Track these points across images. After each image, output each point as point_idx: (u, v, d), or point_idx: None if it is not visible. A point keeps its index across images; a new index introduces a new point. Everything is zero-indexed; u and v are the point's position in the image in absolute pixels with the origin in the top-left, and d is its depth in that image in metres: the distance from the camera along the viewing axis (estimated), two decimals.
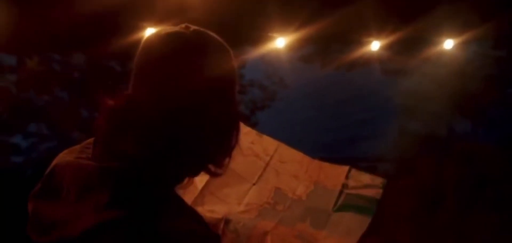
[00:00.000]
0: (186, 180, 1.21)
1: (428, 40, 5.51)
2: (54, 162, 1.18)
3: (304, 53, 6.21)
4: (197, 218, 1.15)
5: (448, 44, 5.53)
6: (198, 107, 1.11)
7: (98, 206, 1.00)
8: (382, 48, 5.39)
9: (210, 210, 1.61)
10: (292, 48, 5.28)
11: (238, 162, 1.76)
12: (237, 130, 1.20)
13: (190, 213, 1.14)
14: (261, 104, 6.69)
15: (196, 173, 1.23)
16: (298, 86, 6.53)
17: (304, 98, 6.77)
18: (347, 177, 1.84)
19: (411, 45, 5.48)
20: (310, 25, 4.71)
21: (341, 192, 1.79)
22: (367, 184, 1.81)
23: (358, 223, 1.65)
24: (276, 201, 1.76)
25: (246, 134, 1.85)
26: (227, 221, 1.64)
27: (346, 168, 1.87)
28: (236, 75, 1.21)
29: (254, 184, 1.79)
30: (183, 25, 1.16)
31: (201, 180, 1.73)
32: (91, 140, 1.20)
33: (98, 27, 4.76)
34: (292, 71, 6.14)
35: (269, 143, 1.89)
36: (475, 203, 3.27)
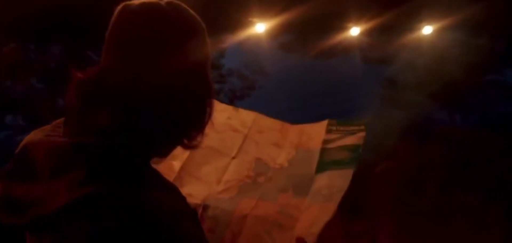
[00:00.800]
0: (160, 159, 1.20)
1: (407, 27, 5.55)
2: (25, 141, 1.15)
3: (283, 40, 6.20)
4: (175, 191, 1.14)
5: (427, 30, 5.58)
6: (172, 78, 1.10)
7: (73, 182, 0.97)
8: (362, 34, 5.41)
9: (188, 194, 1.56)
10: (272, 35, 5.26)
11: (215, 138, 1.72)
12: (211, 104, 1.19)
13: (167, 186, 1.12)
14: (240, 93, 6.67)
15: (169, 147, 1.20)
16: (278, 74, 6.53)
17: (284, 87, 6.77)
18: (327, 131, 1.78)
19: (390, 31, 5.51)
20: (290, 10, 4.69)
21: (322, 150, 1.73)
22: (348, 130, 1.75)
23: (340, 181, 1.59)
24: (257, 172, 1.71)
25: (222, 111, 1.82)
26: (205, 207, 1.61)
27: (325, 123, 1.81)
28: (210, 49, 1.20)
29: (233, 158, 1.75)
30: None
31: (178, 162, 1.70)
32: (61, 119, 1.17)
33: (75, 15, 4.70)
34: (272, 59, 6.13)
35: (246, 115, 1.85)
36: (456, 185, 3.30)
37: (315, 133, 1.80)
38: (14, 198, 1.06)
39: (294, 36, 6.19)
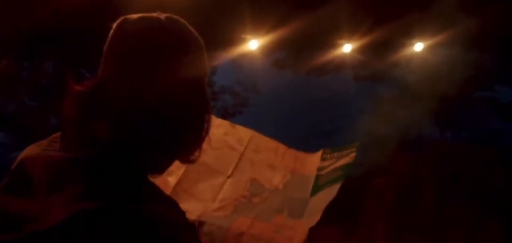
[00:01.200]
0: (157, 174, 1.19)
1: (399, 43, 5.57)
2: (21, 155, 1.13)
3: (277, 57, 6.20)
4: (174, 205, 1.11)
5: (418, 47, 5.61)
6: (171, 92, 1.09)
7: (71, 197, 0.95)
8: (354, 51, 5.43)
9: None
10: (265, 52, 5.26)
11: (211, 155, 1.72)
12: (208, 120, 1.18)
13: (166, 200, 1.10)
14: (233, 110, 6.67)
15: (167, 162, 1.19)
16: (271, 91, 6.53)
17: (277, 104, 6.78)
18: (322, 159, 1.80)
19: (382, 48, 5.53)
20: (283, 27, 4.69)
21: (317, 176, 1.75)
22: (341, 155, 1.78)
23: (327, 195, 1.61)
24: (252, 193, 1.71)
25: (219, 126, 1.81)
26: (201, 223, 1.60)
27: (319, 153, 1.83)
28: (207, 64, 1.19)
29: (229, 177, 1.74)
30: (154, 14, 1.14)
31: (173, 178, 1.68)
32: (58, 134, 1.15)
33: (68, 33, 4.69)
34: (264, 76, 6.14)
35: (243, 132, 1.84)
36: (450, 199, 3.31)
37: (310, 161, 1.82)
38: (10, 213, 1.04)
39: (287, 53, 6.20)
